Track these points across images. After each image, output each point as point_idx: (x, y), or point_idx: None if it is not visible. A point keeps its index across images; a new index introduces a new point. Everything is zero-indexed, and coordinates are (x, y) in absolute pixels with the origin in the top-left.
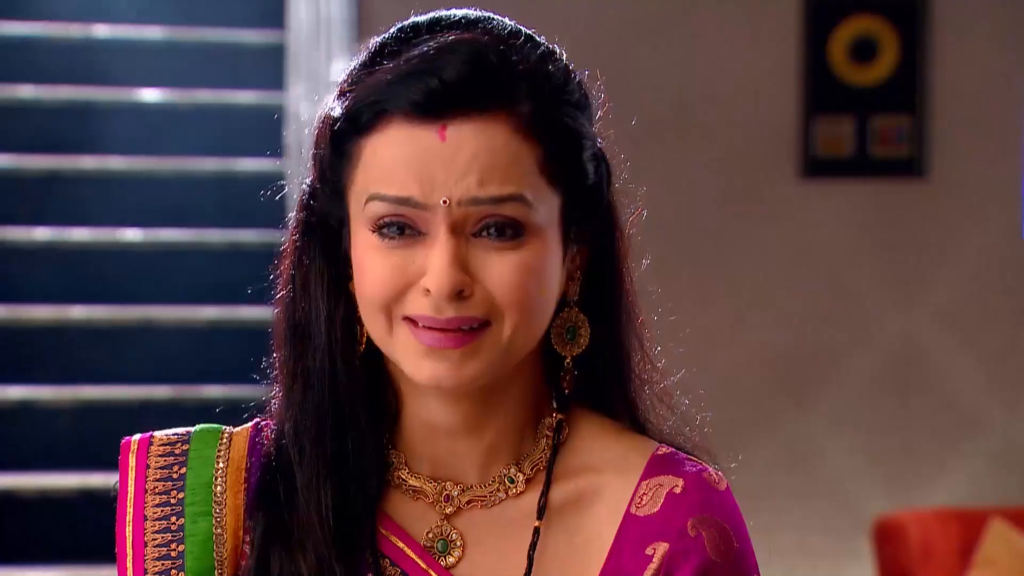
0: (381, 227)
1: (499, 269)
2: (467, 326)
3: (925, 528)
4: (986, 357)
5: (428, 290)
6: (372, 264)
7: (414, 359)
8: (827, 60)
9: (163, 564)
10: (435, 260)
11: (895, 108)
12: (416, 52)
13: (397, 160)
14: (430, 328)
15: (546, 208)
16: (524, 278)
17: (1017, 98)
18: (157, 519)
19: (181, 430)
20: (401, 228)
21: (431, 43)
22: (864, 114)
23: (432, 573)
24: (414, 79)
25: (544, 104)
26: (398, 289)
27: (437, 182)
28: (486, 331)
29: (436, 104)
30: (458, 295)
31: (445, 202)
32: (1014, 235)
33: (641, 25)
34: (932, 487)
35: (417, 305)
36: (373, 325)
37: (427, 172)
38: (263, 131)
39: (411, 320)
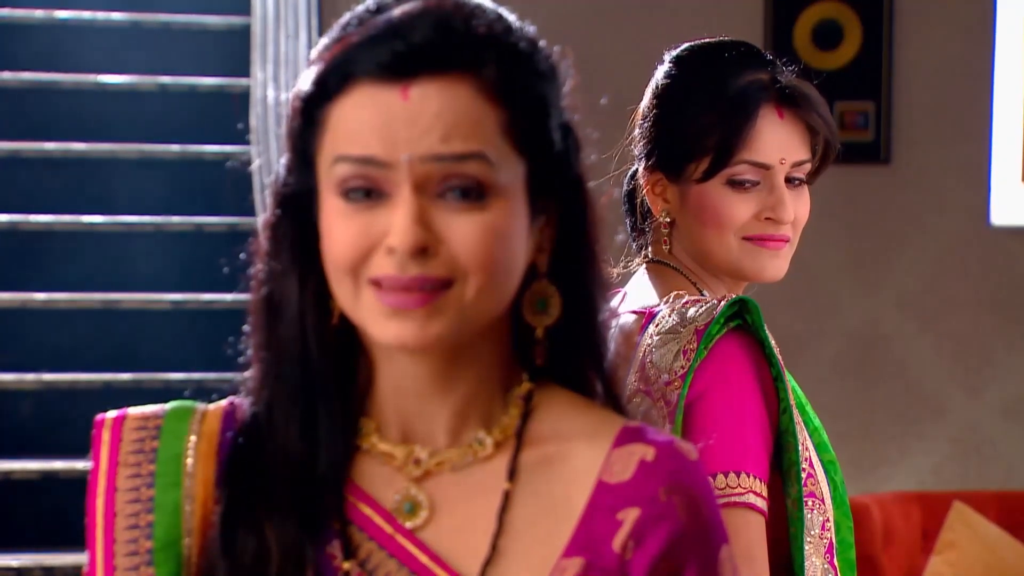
0: (347, 191)
1: (463, 229)
2: (430, 285)
3: (887, 512)
4: (948, 342)
5: (392, 248)
6: (338, 228)
7: (379, 321)
8: (792, 45)
9: (132, 533)
10: (398, 218)
11: (859, 94)
12: (383, 18)
13: (361, 121)
14: (394, 289)
15: (509, 171)
16: (488, 238)
17: (979, 84)
18: (128, 490)
19: (156, 407)
20: (367, 192)
21: (397, 11)
22: (828, 99)
23: (398, 536)
24: (380, 43)
25: (509, 69)
26: (363, 250)
27: (399, 140)
28: (449, 290)
29: (400, 65)
30: (422, 252)
31: (407, 158)
32: (976, 221)
33: (608, 8)
34: (894, 472)
35: (382, 265)
36: (340, 290)
37: (390, 131)
38: (227, 116)
39: (376, 283)
